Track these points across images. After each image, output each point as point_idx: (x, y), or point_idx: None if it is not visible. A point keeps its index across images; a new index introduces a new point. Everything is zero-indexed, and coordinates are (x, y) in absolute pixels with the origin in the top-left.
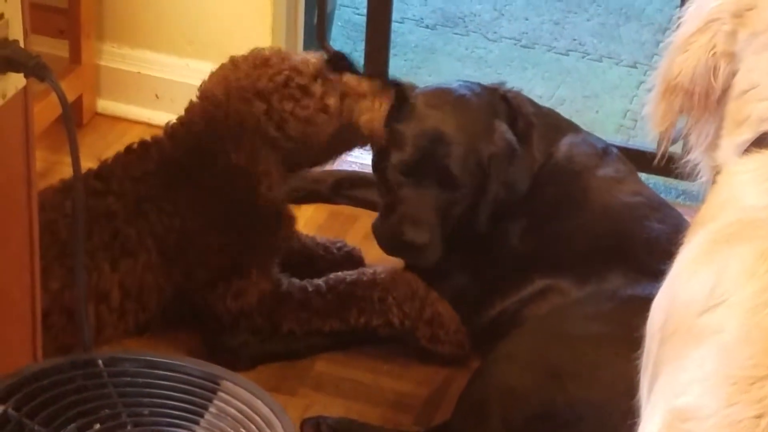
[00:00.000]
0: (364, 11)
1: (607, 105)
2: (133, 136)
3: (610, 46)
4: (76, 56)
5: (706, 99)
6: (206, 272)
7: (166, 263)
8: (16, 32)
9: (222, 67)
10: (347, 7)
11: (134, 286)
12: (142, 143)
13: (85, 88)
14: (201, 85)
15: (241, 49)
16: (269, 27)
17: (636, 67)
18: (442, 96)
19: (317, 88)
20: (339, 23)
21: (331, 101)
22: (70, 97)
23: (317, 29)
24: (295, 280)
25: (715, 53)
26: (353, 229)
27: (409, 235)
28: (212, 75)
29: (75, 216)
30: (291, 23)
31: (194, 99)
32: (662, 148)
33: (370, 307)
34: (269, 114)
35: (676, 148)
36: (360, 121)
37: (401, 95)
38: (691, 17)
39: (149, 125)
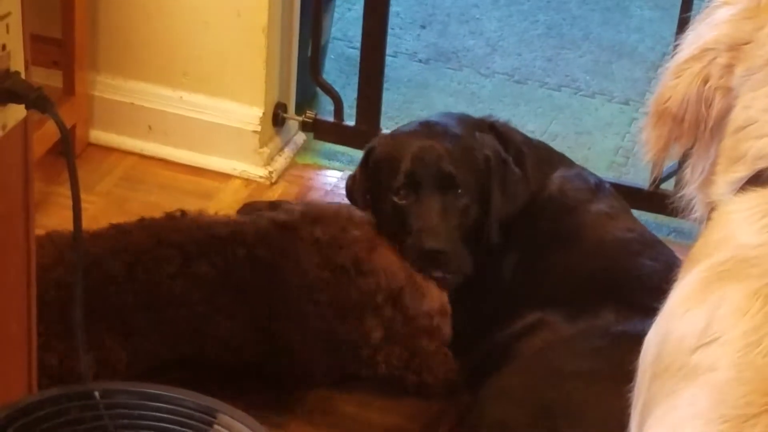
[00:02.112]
0: (358, 45)
1: (600, 142)
2: (125, 167)
3: (603, 83)
4: (69, 87)
5: (696, 128)
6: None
7: None
8: (17, 64)
9: None
10: (340, 40)
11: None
12: None
13: (78, 118)
14: None
15: (235, 82)
16: (263, 60)
17: (628, 104)
18: (420, 125)
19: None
20: (332, 56)
21: None
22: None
23: (311, 63)
24: None
25: (709, 84)
26: None
27: (428, 244)
28: None
29: (76, 245)
30: (285, 56)
31: None
32: (655, 175)
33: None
34: None
35: (669, 185)
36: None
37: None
38: (687, 44)
39: (142, 156)
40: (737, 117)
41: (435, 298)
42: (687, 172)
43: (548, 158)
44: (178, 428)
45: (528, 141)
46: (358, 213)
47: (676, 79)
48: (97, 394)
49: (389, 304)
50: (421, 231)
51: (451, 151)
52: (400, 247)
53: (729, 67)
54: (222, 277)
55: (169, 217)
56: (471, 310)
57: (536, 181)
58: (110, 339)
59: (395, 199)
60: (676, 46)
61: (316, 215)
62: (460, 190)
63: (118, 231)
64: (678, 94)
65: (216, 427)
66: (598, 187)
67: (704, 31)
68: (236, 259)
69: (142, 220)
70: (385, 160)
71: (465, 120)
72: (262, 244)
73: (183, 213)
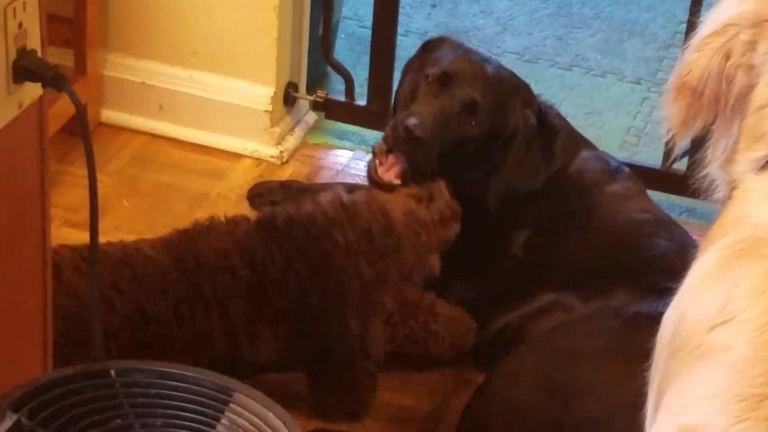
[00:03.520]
0: (368, 24)
1: (611, 121)
2: (136, 147)
3: (614, 62)
4: (81, 66)
5: (716, 103)
6: None
7: None
8: (33, 42)
9: None
10: (351, 19)
11: None
12: None
13: (89, 98)
14: None
15: (246, 61)
16: (274, 40)
17: (639, 84)
18: (490, 58)
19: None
20: (342, 36)
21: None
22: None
23: (322, 42)
24: None
25: (731, 61)
26: None
27: (411, 123)
28: None
29: (92, 222)
30: (296, 36)
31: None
32: (672, 151)
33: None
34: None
35: (682, 165)
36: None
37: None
38: (709, 19)
39: (153, 136)
40: (759, 95)
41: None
42: (708, 152)
43: (576, 140)
44: (194, 407)
45: (564, 123)
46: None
47: (697, 54)
48: (113, 372)
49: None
50: (414, 112)
51: (491, 91)
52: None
53: (752, 44)
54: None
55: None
56: (484, 289)
57: (561, 158)
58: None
59: (421, 81)
60: (687, 25)
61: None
62: (474, 121)
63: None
64: (698, 68)
65: (232, 405)
66: (616, 170)
67: (728, 6)
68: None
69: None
70: (439, 52)
71: (523, 89)
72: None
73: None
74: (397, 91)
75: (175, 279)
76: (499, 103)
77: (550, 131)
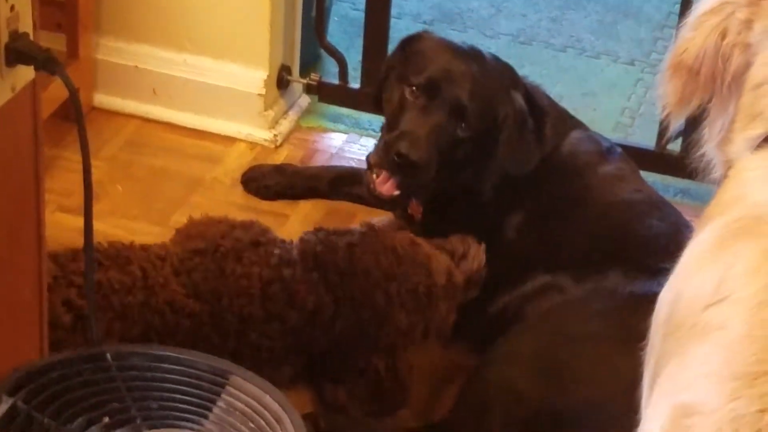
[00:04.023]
0: (362, 6)
1: (605, 103)
2: (129, 131)
3: (608, 43)
4: (73, 50)
5: (712, 82)
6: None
7: None
8: (26, 25)
9: None
10: (344, 2)
11: None
12: None
13: (82, 82)
14: None
15: (239, 44)
16: (267, 23)
17: (634, 65)
18: (470, 48)
19: None
20: (336, 18)
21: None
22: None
23: (316, 25)
24: None
25: (727, 40)
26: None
27: (404, 149)
28: None
29: (86, 208)
30: (289, 19)
31: None
32: (667, 130)
33: None
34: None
35: (676, 146)
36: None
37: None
38: None
39: (146, 120)
40: (756, 74)
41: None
42: (704, 131)
43: (566, 120)
44: (191, 390)
45: (552, 104)
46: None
47: (693, 32)
48: (109, 356)
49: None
50: (405, 133)
51: (478, 90)
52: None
53: (748, 23)
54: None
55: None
56: None
57: (552, 139)
58: None
59: (406, 92)
60: (681, 5)
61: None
62: (464, 125)
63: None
64: (694, 46)
65: (228, 388)
66: (608, 150)
67: None
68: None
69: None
70: (421, 54)
71: (508, 73)
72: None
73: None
74: (378, 89)
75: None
76: (488, 99)
77: (539, 112)
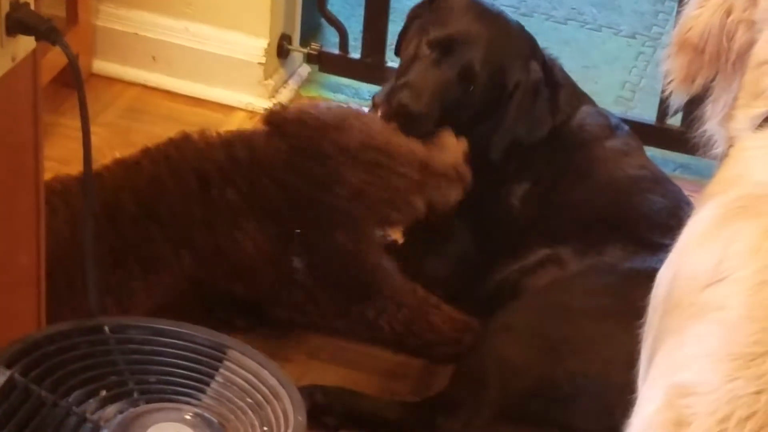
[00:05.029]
0: None
1: (606, 76)
2: (128, 98)
3: (610, 16)
4: (72, 16)
5: (717, 59)
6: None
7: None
8: None
9: None
10: None
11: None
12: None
13: (81, 48)
14: None
15: (240, 13)
16: None
17: (635, 38)
18: (497, 14)
19: None
20: None
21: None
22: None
23: None
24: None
25: (732, 17)
26: None
27: (405, 100)
28: None
29: (86, 176)
30: None
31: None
32: (673, 107)
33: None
34: None
35: (676, 121)
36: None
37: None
38: None
39: (145, 87)
40: (760, 51)
41: None
42: (708, 108)
43: (579, 95)
44: (189, 364)
45: (568, 79)
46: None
47: (699, 9)
48: (107, 329)
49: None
50: (411, 84)
51: (492, 57)
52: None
53: (753, 0)
54: (246, 201)
55: (176, 144)
56: (483, 241)
57: (564, 111)
58: (130, 277)
59: (423, 43)
60: None
61: (335, 123)
62: (472, 88)
63: (127, 167)
64: (700, 24)
65: (226, 362)
66: (617, 125)
67: None
68: (261, 183)
69: (147, 150)
70: (447, 9)
71: (528, 43)
72: (286, 168)
73: (188, 136)
74: (400, 36)
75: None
76: (501, 67)
77: (554, 84)
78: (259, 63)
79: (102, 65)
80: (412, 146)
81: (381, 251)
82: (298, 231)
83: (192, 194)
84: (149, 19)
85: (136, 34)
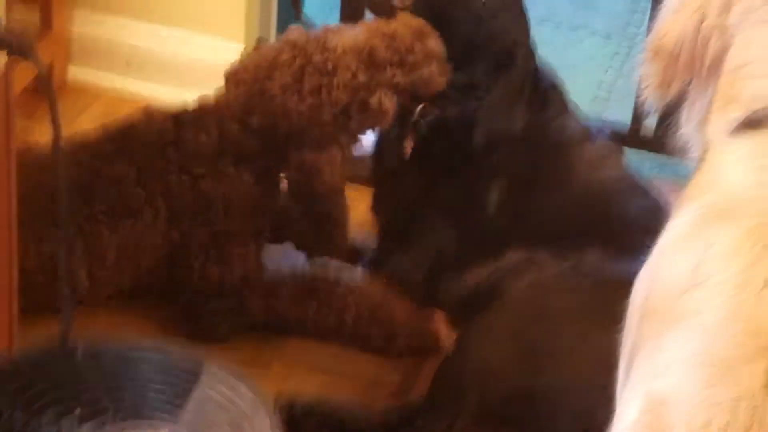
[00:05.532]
0: None
1: (582, 76)
2: (102, 104)
3: (585, 16)
4: (47, 22)
5: (692, 65)
6: (204, 237)
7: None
8: None
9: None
10: None
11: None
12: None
13: (56, 55)
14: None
15: (215, 16)
16: None
17: (610, 38)
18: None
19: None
20: None
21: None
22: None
23: None
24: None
25: (706, 22)
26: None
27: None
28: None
29: (59, 192)
30: None
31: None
32: (652, 112)
33: (329, 302)
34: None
35: (652, 122)
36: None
37: None
38: None
39: (120, 92)
40: (734, 56)
41: None
42: (684, 112)
43: (563, 102)
44: (166, 381)
45: (558, 85)
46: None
47: (673, 15)
48: (80, 349)
49: None
50: None
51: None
52: None
53: (727, 5)
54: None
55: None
56: (457, 238)
57: (545, 116)
58: (98, 221)
59: None
60: None
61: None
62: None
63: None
64: (674, 30)
65: (203, 378)
66: (597, 131)
67: None
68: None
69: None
70: None
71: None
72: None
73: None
74: None
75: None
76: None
77: (548, 85)
78: None
79: (77, 71)
80: (354, 46)
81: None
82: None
83: (167, 136)
84: (124, 24)
85: (111, 39)
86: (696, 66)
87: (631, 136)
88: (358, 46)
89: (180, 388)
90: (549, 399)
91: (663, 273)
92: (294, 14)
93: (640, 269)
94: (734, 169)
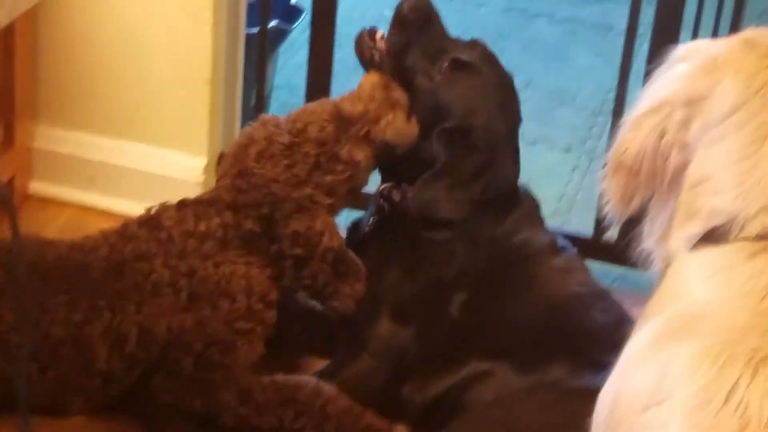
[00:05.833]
0: (301, 93)
1: (543, 189)
2: (65, 219)
3: (545, 130)
4: (9, 137)
5: (653, 180)
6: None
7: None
8: None
9: None
10: (283, 89)
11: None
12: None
13: (17, 170)
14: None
15: (178, 131)
16: (207, 111)
17: (570, 152)
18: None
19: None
20: (275, 105)
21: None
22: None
23: (256, 112)
24: None
25: (665, 139)
26: None
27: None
28: None
29: (19, 303)
30: (229, 106)
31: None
32: (615, 223)
33: (309, 413)
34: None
35: (613, 235)
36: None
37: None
38: (646, 97)
39: (82, 207)
40: (693, 172)
41: None
42: (646, 226)
43: (531, 218)
44: None
45: (530, 201)
46: None
47: (633, 132)
48: None
49: None
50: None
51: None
52: None
53: (686, 122)
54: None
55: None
56: (417, 344)
57: (506, 227)
58: None
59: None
60: (617, 95)
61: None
62: (446, 124)
63: None
64: (634, 146)
65: None
66: (562, 247)
67: (663, 84)
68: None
69: None
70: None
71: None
72: None
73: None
74: None
75: None
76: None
77: (523, 194)
78: (198, 182)
79: (38, 186)
80: (320, 105)
81: None
82: None
83: (124, 265)
84: (86, 140)
85: (73, 154)
86: (656, 181)
87: (593, 247)
88: (324, 105)
89: None
90: None
91: (626, 388)
92: None
93: (604, 383)
94: (694, 285)
